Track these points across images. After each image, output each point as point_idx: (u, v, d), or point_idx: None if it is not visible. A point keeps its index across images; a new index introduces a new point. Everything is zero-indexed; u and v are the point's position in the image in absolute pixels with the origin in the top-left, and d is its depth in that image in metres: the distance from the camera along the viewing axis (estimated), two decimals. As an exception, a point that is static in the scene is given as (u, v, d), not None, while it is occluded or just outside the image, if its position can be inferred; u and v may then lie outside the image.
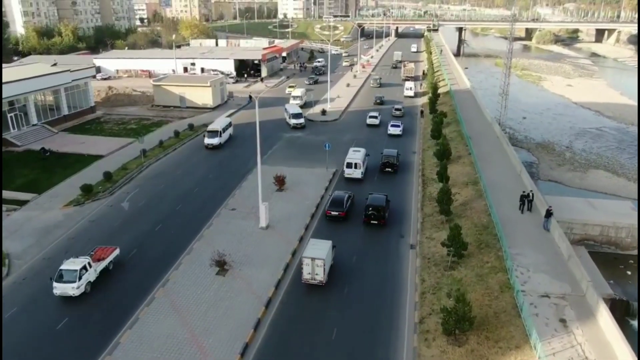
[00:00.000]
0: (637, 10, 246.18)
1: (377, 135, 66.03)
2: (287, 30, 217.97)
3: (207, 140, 58.85)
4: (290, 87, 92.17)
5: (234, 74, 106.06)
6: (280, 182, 45.48)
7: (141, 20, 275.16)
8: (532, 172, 58.57)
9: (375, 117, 70.52)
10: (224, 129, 60.91)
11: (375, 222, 39.23)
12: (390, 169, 51.22)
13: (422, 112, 74.69)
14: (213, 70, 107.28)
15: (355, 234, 38.10)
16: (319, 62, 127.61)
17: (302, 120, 67.87)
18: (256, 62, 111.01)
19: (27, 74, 65.06)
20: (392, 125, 65.90)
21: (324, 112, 74.38)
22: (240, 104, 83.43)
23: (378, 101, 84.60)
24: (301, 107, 75.29)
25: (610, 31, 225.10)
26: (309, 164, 52.74)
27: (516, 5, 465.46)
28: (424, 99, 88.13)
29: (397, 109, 74.94)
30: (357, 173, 48.70)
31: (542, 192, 44.62)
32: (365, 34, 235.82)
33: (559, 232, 33.05)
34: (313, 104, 78.09)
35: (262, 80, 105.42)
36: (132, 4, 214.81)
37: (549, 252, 31.94)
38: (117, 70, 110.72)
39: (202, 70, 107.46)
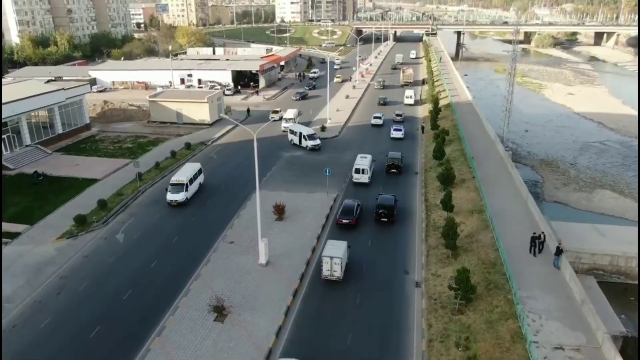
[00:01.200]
0: (635, 12, 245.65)
1: (380, 139, 69.94)
2: (284, 35, 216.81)
3: (170, 197, 47.55)
4: (274, 112, 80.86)
5: (232, 85, 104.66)
6: (279, 211, 44.17)
7: (138, 25, 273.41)
8: (536, 193, 57.49)
9: (379, 118, 78.17)
10: (192, 179, 49.80)
11: (385, 219, 43.69)
12: (395, 170, 56.05)
13: (422, 127, 73.38)
14: (210, 81, 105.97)
15: (363, 246, 36.96)
16: (314, 72, 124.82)
17: (318, 142, 65.19)
18: (254, 72, 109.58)
19: (20, 94, 63.48)
20: (395, 130, 70.89)
21: (323, 128, 73.02)
22: (238, 118, 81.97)
23: (381, 102, 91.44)
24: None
25: (610, 34, 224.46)
26: (309, 188, 51.47)
27: (514, 7, 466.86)
28: (424, 109, 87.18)
29: (398, 114, 78.95)
30: (364, 178, 52.76)
31: (547, 216, 43.54)
32: (364, 39, 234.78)
33: (570, 272, 31.79)
34: (312, 122, 76.53)
35: (257, 92, 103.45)
36: (128, 11, 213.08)
37: (561, 295, 30.69)
38: (113, 82, 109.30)
39: (200, 81, 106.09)
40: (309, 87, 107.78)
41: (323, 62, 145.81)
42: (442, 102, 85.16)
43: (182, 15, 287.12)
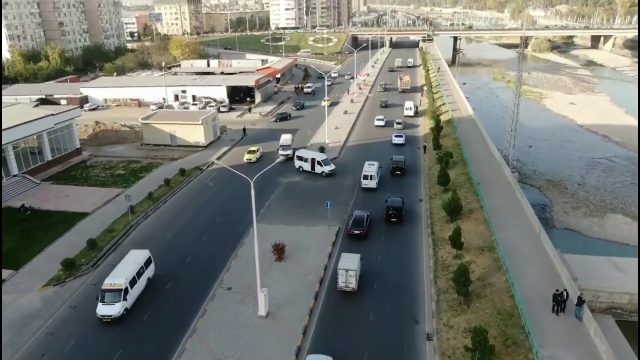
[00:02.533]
0: (631, 13, 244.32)
1: (382, 155, 68.74)
2: (279, 43, 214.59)
3: (102, 310, 34.45)
4: (249, 152, 68.11)
5: (227, 101, 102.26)
6: (279, 251, 41.76)
7: (131, 34, 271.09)
8: (546, 218, 55.36)
9: (382, 120, 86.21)
10: (134, 279, 36.52)
11: (395, 219, 48.19)
12: (399, 172, 61.47)
13: (424, 147, 71.10)
14: (205, 97, 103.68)
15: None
16: (309, 87, 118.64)
17: (334, 166, 62.79)
18: (250, 86, 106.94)
19: (6, 120, 60.83)
20: (396, 136, 76.00)
21: (322, 149, 70.60)
22: (234, 139, 79.70)
23: (383, 105, 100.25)
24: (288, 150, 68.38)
25: (607, 36, 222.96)
26: (310, 220, 49.18)
27: (508, 8, 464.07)
28: (425, 123, 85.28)
29: (398, 123, 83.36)
30: (372, 183, 56.96)
31: (559, 248, 41.34)
32: (359, 45, 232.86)
33: (594, 327, 29.52)
34: (308, 147, 72.18)
35: (250, 110, 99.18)
36: (121, 21, 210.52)
37: (586, 353, 28.41)
38: (105, 100, 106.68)
39: (194, 97, 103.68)
40: (296, 107, 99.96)
41: (321, 77, 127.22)
42: (442, 117, 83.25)
43: (176, 24, 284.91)
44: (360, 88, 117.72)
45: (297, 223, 48.79)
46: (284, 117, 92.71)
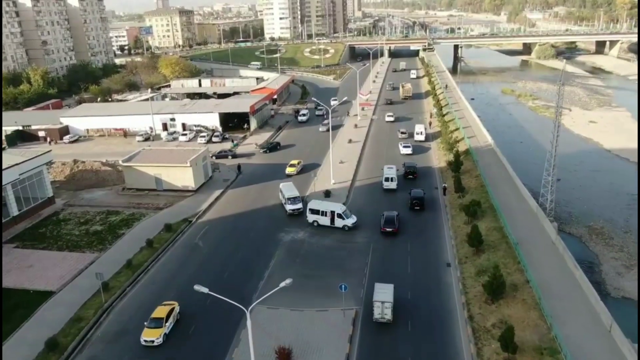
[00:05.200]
0: (633, 16, 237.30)
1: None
2: (274, 55, 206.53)
3: None
4: (149, 327, 36.67)
5: (220, 130, 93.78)
6: (284, 358, 33.25)
7: (121, 48, 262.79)
8: (597, 282, 46.97)
9: (392, 116, 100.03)
10: None
11: (418, 208, 56.49)
12: (411, 176, 66.88)
13: (444, 188, 62.61)
14: (196, 126, 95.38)
15: None
16: (303, 115, 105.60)
17: (355, 218, 53.80)
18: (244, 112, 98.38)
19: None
20: (404, 147, 78.98)
21: (328, 194, 62.16)
22: (228, 178, 71.20)
23: (388, 102, 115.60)
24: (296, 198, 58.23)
25: (612, 41, 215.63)
26: (319, 299, 40.84)
27: (505, 11, 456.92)
28: (439, 155, 77.04)
29: (402, 132, 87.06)
30: (392, 185, 63.17)
31: (621, 328, 33.05)
32: (357, 55, 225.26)
33: None
34: (308, 195, 62.46)
35: (233, 141, 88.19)
36: (109, 38, 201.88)
37: None
38: (88, 130, 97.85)
39: (184, 126, 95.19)
40: (265, 149, 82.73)
41: (318, 107, 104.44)
42: (459, 146, 75.13)
43: (168, 36, 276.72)
44: (363, 109, 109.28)
45: (305, 304, 40.34)
46: (222, 156, 79.96)
